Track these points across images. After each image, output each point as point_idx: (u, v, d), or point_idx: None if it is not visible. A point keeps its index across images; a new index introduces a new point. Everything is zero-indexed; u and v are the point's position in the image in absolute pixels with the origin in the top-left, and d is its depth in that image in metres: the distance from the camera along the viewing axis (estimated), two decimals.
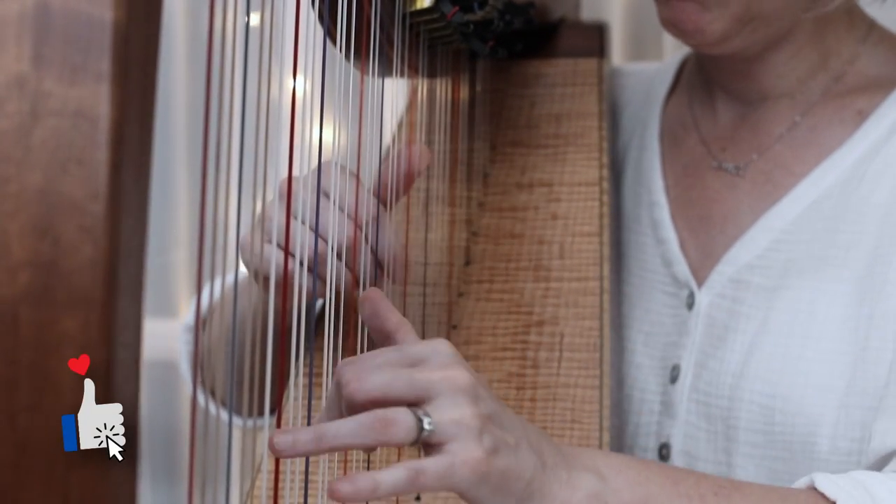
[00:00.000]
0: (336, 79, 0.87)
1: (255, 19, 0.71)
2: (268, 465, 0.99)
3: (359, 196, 0.95)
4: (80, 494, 0.56)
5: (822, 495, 0.90)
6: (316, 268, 0.92)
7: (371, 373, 0.79)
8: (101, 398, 0.57)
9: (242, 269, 0.98)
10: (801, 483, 0.93)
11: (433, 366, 0.80)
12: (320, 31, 0.89)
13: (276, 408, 0.84)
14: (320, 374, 0.90)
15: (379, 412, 0.78)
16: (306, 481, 0.85)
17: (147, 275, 0.59)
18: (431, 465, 0.78)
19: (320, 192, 0.93)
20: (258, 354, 0.77)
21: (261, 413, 1.08)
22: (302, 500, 0.84)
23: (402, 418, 0.77)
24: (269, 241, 0.94)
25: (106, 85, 0.56)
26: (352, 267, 0.95)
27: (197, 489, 0.67)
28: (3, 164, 0.56)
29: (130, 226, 0.57)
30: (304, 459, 0.84)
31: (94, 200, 0.56)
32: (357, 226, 0.95)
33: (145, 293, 0.59)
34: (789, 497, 0.91)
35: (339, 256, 0.95)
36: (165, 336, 1.76)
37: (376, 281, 0.98)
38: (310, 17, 0.87)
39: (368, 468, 0.97)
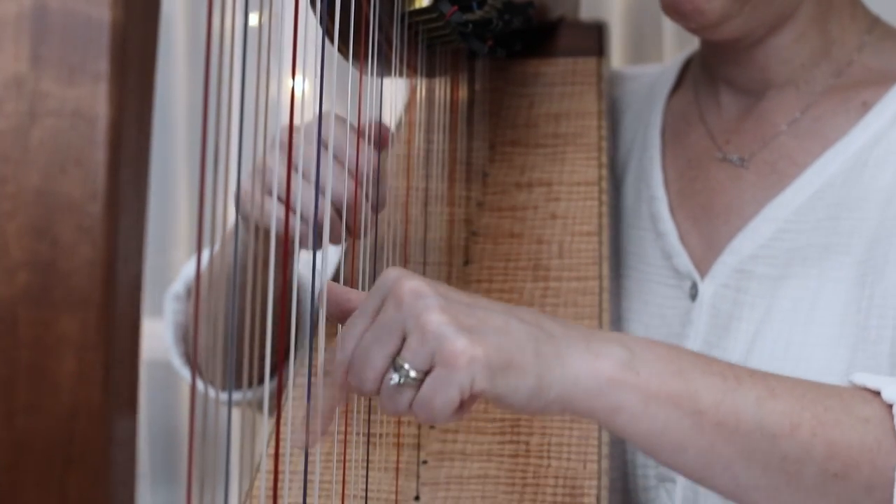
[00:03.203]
0: (335, 78, 0.87)
1: (254, 19, 0.71)
2: (267, 465, 0.99)
3: (359, 147, 0.96)
4: (78, 495, 0.56)
5: (863, 388, 0.86)
6: (315, 222, 0.92)
7: (359, 363, 0.79)
8: (99, 399, 0.56)
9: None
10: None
11: (390, 306, 0.78)
12: (319, 31, 0.89)
13: (277, 373, 0.83)
14: (316, 375, 0.90)
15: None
16: (305, 481, 0.85)
17: (146, 275, 0.59)
18: (426, 387, 0.76)
19: (321, 143, 0.92)
20: (249, 320, 0.76)
21: (261, 381, 1.07)
22: (301, 500, 0.84)
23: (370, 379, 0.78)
24: (269, 194, 0.94)
25: (104, 85, 0.56)
26: (352, 226, 0.95)
27: (196, 489, 0.67)
28: (1, 164, 0.56)
29: (129, 226, 0.57)
30: (303, 459, 0.84)
31: (93, 201, 0.56)
32: (357, 182, 0.95)
33: (144, 293, 0.59)
34: (826, 386, 0.86)
35: (337, 212, 0.95)
36: (165, 336, 1.76)
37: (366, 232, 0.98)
38: (309, 16, 0.87)
39: (367, 468, 0.97)
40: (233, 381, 0.82)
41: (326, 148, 0.95)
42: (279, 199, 0.94)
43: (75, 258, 0.56)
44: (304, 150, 0.91)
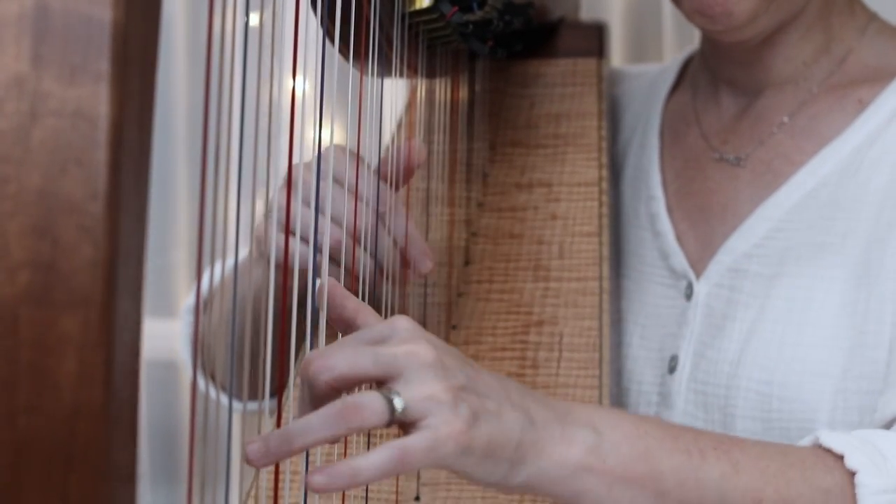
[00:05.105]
0: (335, 79, 0.87)
1: (254, 19, 0.71)
2: None
3: (368, 179, 0.96)
4: (78, 495, 0.56)
5: (828, 451, 0.88)
6: (315, 244, 0.92)
7: (334, 353, 0.77)
8: (100, 399, 0.57)
9: (243, 252, 0.99)
10: (805, 441, 0.91)
11: (395, 342, 0.78)
12: (320, 32, 0.89)
13: (277, 391, 0.84)
14: None
15: (347, 399, 0.75)
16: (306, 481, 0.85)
17: (147, 275, 0.59)
18: (414, 441, 0.75)
19: (325, 175, 0.93)
20: (260, 336, 0.76)
21: (262, 395, 1.07)
22: (301, 499, 0.84)
23: (369, 401, 0.75)
24: (277, 227, 0.95)
25: (105, 85, 0.56)
26: (366, 252, 0.96)
27: (196, 489, 0.67)
28: (2, 164, 0.56)
29: (130, 226, 0.57)
30: (303, 458, 0.84)
31: (94, 200, 0.56)
32: (364, 207, 0.96)
33: (145, 293, 0.59)
34: (790, 453, 0.89)
35: (349, 236, 0.95)
36: (165, 336, 1.76)
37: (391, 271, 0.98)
38: (309, 17, 0.87)
39: None
40: (234, 385, 0.82)
41: (334, 180, 0.96)
42: (282, 228, 0.94)
43: (76, 258, 0.56)
44: (311, 183, 0.92)
